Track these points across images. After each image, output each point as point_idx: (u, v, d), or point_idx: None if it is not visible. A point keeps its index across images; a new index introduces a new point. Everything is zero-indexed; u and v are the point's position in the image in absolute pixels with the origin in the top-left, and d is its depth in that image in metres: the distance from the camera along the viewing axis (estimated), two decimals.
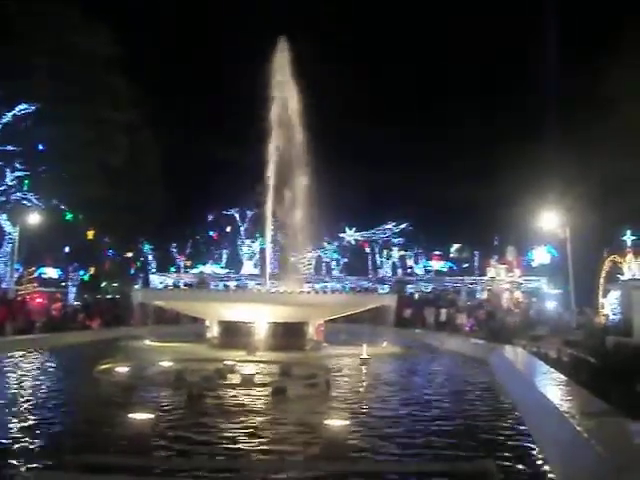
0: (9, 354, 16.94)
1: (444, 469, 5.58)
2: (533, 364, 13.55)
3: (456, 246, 61.89)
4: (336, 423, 6.99)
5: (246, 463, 6.54)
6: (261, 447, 7.27)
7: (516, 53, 46.40)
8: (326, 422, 7.02)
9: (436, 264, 61.08)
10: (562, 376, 10.75)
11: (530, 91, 43.17)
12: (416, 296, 47.92)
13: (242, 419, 8.76)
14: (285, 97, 24.28)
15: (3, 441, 7.31)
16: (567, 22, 41.54)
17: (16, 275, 35.61)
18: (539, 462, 6.63)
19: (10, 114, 31.78)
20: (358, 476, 5.79)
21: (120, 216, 40.40)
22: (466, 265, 59.99)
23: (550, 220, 33.22)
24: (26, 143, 32.94)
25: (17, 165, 33.61)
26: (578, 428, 6.25)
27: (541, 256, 52.08)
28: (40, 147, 34.92)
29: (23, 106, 31.72)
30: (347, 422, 7.17)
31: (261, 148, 23.93)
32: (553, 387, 9.45)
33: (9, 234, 34.92)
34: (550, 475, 6.17)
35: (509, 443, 7.58)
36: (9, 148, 32.30)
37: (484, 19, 48.23)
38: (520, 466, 6.52)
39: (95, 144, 33.82)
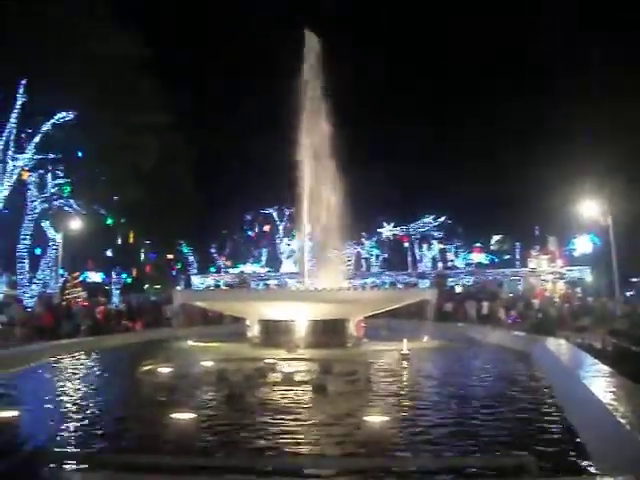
0: (56, 357, 17.28)
1: (483, 464, 5.55)
2: (576, 356, 13.35)
3: (496, 238, 61.24)
4: (376, 419, 7.00)
5: (287, 460, 6.59)
6: (302, 444, 7.31)
7: (560, 38, 45.52)
8: (366, 418, 7.04)
9: (477, 257, 60.54)
10: (606, 367, 10.58)
11: (568, 76, 42.36)
12: (457, 289, 47.64)
13: (283, 417, 8.80)
14: (317, 93, 24.29)
15: (46, 440, 7.47)
16: None
17: (61, 280, 36.30)
18: (582, 456, 6.53)
19: (49, 123, 32.40)
20: (397, 472, 5.79)
21: (158, 218, 40.93)
22: (507, 257, 59.34)
23: (591, 208, 32.67)
24: (65, 150, 33.55)
25: (58, 172, 34.26)
26: (622, 421, 6.15)
27: (583, 245, 51.21)
28: (79, 154, 35.54)
29: (62, 114, 32.31)
30: (387, 418, 7.18)
31: (296, 145, 24.00)
32: (596, 379, 9.30)
33: (53, 240, 35.59)
34: (592, 469, 6.08)
35: (551, 437, 7.49)
36: (50, 156, 32.95)
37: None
38: (562, 460, 6.44)
39: (132, 148, 34.28)
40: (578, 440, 7.09)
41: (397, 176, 48.30)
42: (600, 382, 8.96)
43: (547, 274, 40.68)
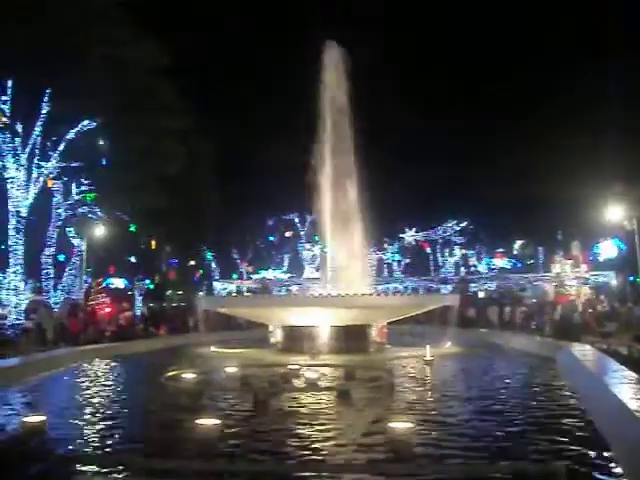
0: (81, 363, 17.44)
1: (512, 471, 5.51)
2: (602, 362, 13.21)
3: (519, 242, 60.79)
4: (401, 426, 6.97)
5: (311, 466, 6.58)
6: (326, 450, 7.30)
7: (580, 41, 45.16)
8: (391, 425, 7.01)
9: (499, 262, 60.14)
10: (633, 374, 10.45)
11: (593, 75, 41.89)
12: (480, 295, 47.37)
13: (307, 423, 8.80)
14: (336, 97, 24.33)
15: (71, 446, 7.54)
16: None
17: (85, 286, 36.64)
18: (610, 464, 6.47)
19: (73, 131, 32.75)
20: (423, 479, 5.76)
21: (180, 225, 41.19)
22: (530, 262, 58.88)
23: (616, 212, 32.35)
24: (89, 158, 33.90)
25: (82, 180, 34.60)
26: None
27: (608, 249, 50.61)
28: (103, 162, 35.90)
29: (85, 122, 32.66)
30: (412, 425, 7.14)
31: (316, 150, 24.04)
32: (623, 385, 9.20)
33: (77, 247, 35.95)
34: (620, 475, 6.02)
35: (578, 444, 7.42)
36: (74, 164, 33.29)
37: None
38: (590, 468, 6.38)
39: (153, 154, 34.57)
40: (607, 448, 7.02)
41: (419, 181, 48.21)
42: (627, 389, 8.86)
43: (571, 279, 40.28)
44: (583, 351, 15.58)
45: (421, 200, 51.46)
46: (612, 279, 47.31)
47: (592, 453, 6.95)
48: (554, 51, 47.64)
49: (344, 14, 46.28)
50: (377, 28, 49.84)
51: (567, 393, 11.23)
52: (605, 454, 6.80)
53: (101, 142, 33.26)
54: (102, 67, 31.82)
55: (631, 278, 38.98)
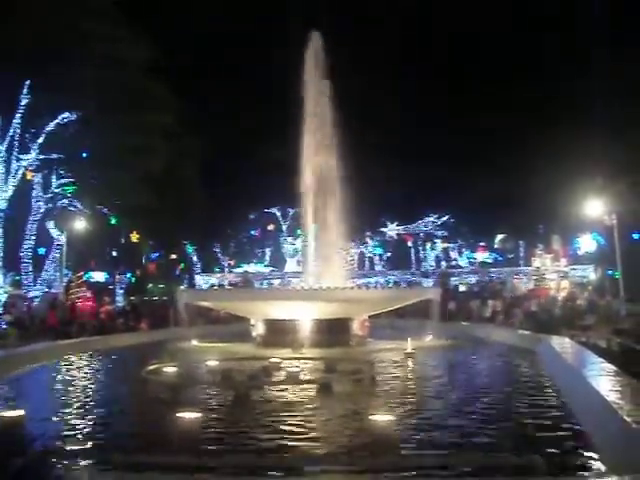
0: (61, 358, 17.31)
1: (491, 463, 5.55)
2: (582, 354, 13.34)
3: (500, 236, 60.99)
4: (382, 418, 7.00)
5: (293, 460, 6.59)
6: (308, 443, 7.31)
7: (563, 36, 45.25)
8: (372, 417, 7.04)
9: (480, 255, 60.35)
10: (611, 366, 10.56)
11: (577, 75, 42.08)
12: (461, 288, 47.62)
13: (288, 416, 8.81)
14: (321, 92, 24.35)
15: (54, 440, 7.49)
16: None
17: (65, 280, 36.30)
18: (588, 455, 6.52)
19: (53, 123, 32.41)
20: (404, 470, 5.79)
21: (163, 219, 40.95)
22: (511, 255, 59.16)
23: (595, 207, 32.59)
24: (70, 151, 33.56)
25: (61, 172, 34.26)
26: (628, 419, 6.14)
27: (587, 244, 51.04)
28: (84, 155, 35.54)
29: (66, 114, 32.34)
30: (393, 417, 7.18)
31: (299, 145, 24.05)
32: (602, 377, 9.29)
33: (57, 240, 35.62)
34: (599, 467, 6.08)
35: (557, 436, 7.48)
36: (53, 156, 32.93)
37: None
38: (568, 459, 6.43)
39: (137, 150, 34.32)
40: (585, 440, 7.08)
41: (400, 175, 48.19)
42: (605, 381, 8.95)
43: (551, 273, 40.57)
44: (562, 344, 15.72)
45: (403, 194, 51.41)
46: (591, 273, 47.75)
47: (571, 443, 7.01)
48: (537, 54, 47.93)
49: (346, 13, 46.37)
50: (375, 25, 49.94)
51: (547, 385, 11.31)
52: (586, 446, 6.85)
53: (84, 136, 32.87)
54: (88, 62, 31.51)
55: (609, 272, 39.30)
